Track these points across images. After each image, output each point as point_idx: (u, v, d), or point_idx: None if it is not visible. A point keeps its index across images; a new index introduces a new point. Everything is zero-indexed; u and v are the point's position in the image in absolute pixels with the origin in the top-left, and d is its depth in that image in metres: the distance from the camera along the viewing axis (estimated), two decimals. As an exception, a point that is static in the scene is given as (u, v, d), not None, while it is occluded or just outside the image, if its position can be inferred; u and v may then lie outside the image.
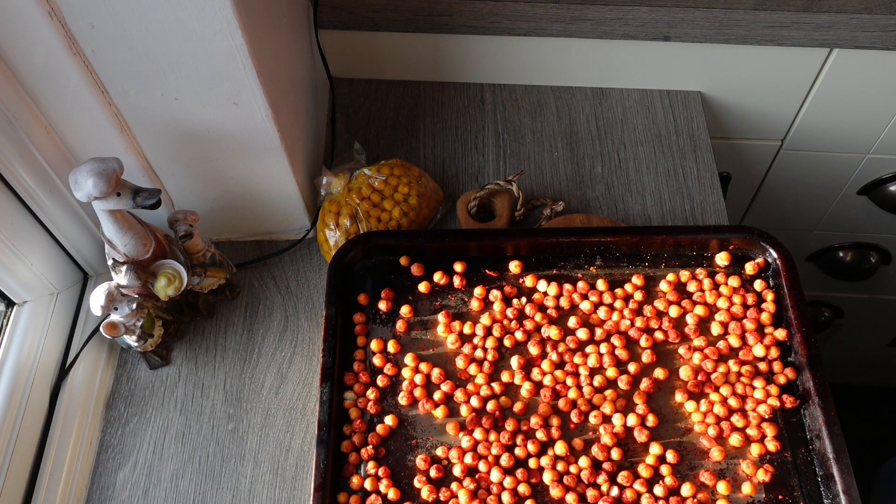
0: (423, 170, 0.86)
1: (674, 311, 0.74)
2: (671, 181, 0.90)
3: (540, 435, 0.68)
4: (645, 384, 0.70)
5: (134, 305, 0.69)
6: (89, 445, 0.73)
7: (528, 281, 0.76)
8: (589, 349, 0.72)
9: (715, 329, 0.74)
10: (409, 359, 0.72)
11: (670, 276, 0.76)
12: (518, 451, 0.68)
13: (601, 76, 0.97)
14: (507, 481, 0.66)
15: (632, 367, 0.72)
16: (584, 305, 0.75)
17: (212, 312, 0.80)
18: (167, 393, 0.76)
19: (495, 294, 0.75)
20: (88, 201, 0.62)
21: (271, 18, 0.69)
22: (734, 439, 0.68)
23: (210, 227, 0.83)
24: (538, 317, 0.74)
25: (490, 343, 0.73)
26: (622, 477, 0.66)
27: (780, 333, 0.73)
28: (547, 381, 0.71)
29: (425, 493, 0.65)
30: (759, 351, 0.72)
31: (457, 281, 0.76)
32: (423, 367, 0.72)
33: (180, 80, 0.63)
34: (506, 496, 0.65)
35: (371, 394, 0.70)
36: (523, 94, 0.98)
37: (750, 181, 1.16)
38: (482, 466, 0.67)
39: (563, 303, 0.75)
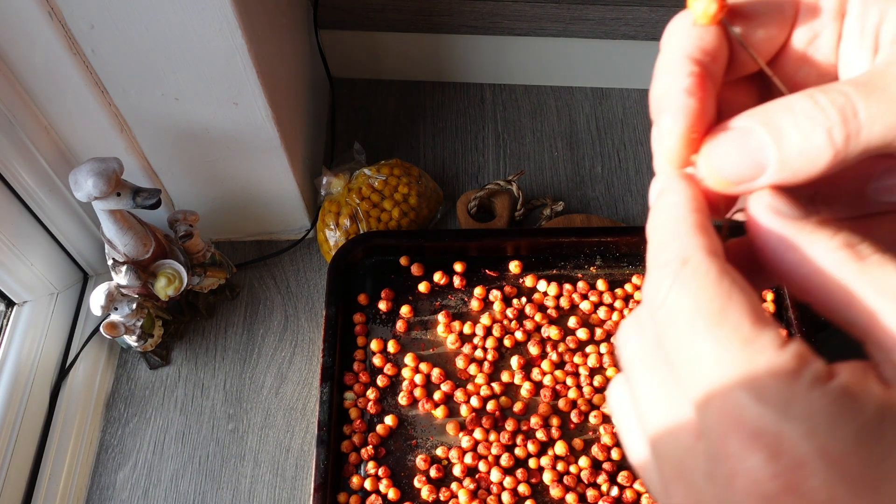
0: (423, 170, 0.86)
1: (674, 311, 0.74)
2: (671, 181, 0.90)
3: (540, 435, 0.68)
4: (645, 384, 0.70)
5: (134, 305, 0.69)
6: (89, 445, 0.73)
7: (528, 281, 0.76)
8: (589, 349, 0.72)
9: (715, 329, 0.74)
10: (409, 359, 0.72)
11: (670, 276, 0.76)
12: (518, 451, 0.68)
13: (601, 76, 0.97)
14: (507, 481, 0.66)
15: (632, 367, 0.72)
16: (584, 305, 0.75)
17: (212, 312, 0.80)
18: (167, 393, 0.76)
19: (495, 294, 0.75)
20: (88, 201, 0.62)
21: (271, 19, 0.69)
22: (734, 439, 0.68)
23: (210, 227, 0.83)
24: (538, 317, 0.74)
25: (490, 343, 0.73)
26: (622, 477, 0.66)
27: (781, 333, 0.73)
28: (547, 381, 0.71)
29: (425, 493, 0.65)
30: (758, 351, 0.72)
31: (457, 281, 0.76)
32: (423, 367, 0.72)
33: (180, 81, 0.63)
34: (506, 496, 0.65)
35: (371, 394, 0.70)
36: (523, 94, 0.98)
37: (750, 181, 1.15)
38: (482, 466, 0.67)
39: (563, 303, 0.75)
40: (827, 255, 0.22)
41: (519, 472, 0.66)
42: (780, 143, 0.22)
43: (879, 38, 0.24)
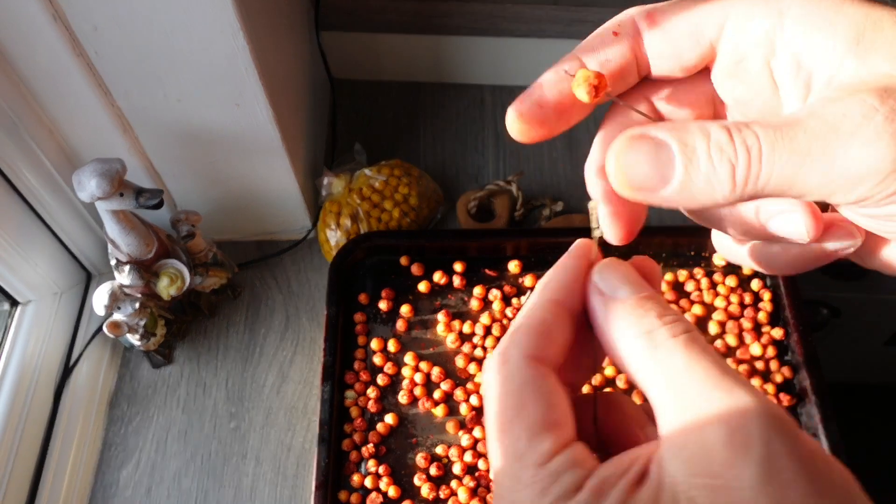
0: (423, 170, 0.86)
1: (672, 311, 0.75)
2: (670, 181, 0.91)
3: (539, 433, 0.69)
4: (643, 383, 0.71)
5: (137, 305, 0.70)
6: (93, 444, 0.74)
7: (528, 281, 0.76)
8: (588, 348, 0.73)
9: (712, 328, 0.74)
10: (409, 358, 0.72)
11: (668, 276, 0.77)
12: (517, 450, 0.68)
13: (600, 77, 0.98)
14: (507, 479, 0.66)
15: (630, 366, 0.72)
16: (583, 305, 0.75)
17: (214, 312, 0.81)
18: (170, 392, 0.77)
19: (495, 293, 0.76)
20: (92, 202, 0.62)
21: (273, 20, 0.70)
22: (732, 437, 0.68)
23: (212, 228, 0.83)
24: (537, 316, 0.74)
25: (490, 342, 0.73)
26: (620, 475, 0.67)
27: (777, 332, 0.73)
28: (546, 379, 0.71)
29: (425, 490, 0.66)
30: (756, 350, 0.73)
31: (457, 280, 0.76)
32: (423, 365, 0.72)
33: (182, 82, 0.63)
34: (505, 494, 0.66)
35: (371, 392, 0.70)
36: (523, 94, 0.99)
37: (748, 181, 1.16)
38: (482, 464, 0.67)
39: (563, 302, 0.75)
40: (631, 340, 0.24)
41: (518, 470, 0.67)
42: (689, 164, 0.23)
43: (813, 75, 0.25)
